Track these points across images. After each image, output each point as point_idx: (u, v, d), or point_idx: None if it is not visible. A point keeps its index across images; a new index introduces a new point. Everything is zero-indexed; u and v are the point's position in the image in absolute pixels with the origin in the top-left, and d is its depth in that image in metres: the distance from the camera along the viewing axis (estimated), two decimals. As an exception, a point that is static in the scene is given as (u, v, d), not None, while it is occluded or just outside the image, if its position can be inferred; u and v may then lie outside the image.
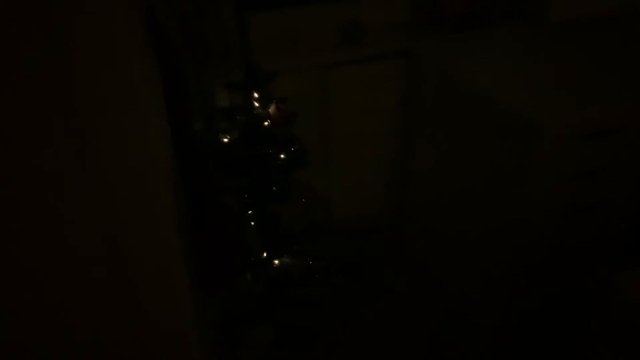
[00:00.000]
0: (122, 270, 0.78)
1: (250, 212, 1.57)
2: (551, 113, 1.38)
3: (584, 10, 1.82)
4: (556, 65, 1.63)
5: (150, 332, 0.86)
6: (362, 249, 2.15)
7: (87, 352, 0.79)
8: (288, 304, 1.73)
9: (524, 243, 1.52)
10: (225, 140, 1.42)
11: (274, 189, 1.52)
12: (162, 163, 0.82)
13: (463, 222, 1.74)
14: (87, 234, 0.72)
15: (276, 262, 1.68)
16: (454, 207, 1.79)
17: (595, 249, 1.63)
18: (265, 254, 1.64)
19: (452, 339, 1.74)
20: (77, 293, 0.74)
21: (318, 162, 1.94)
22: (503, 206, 1.53)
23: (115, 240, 0.76)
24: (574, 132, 1.37)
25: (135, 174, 0.74)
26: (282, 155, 1.48)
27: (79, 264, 0.73)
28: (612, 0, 1.84)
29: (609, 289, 1.11)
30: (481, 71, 1.61)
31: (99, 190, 0.71)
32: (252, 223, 1.59)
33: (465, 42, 1.80)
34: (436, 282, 1.92)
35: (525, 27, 1.84)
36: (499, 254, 1.58)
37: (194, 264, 1.10)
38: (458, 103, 1.66)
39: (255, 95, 1.43)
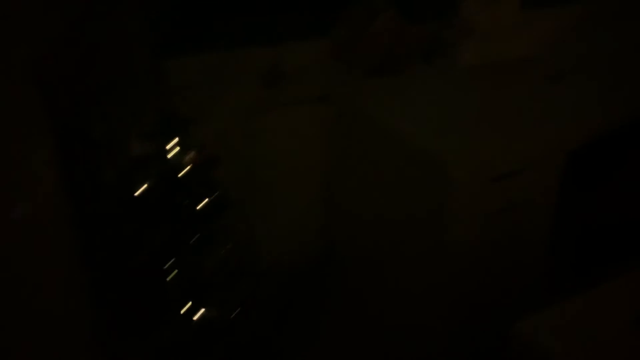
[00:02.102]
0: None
1: (171, 262, 1.52)
2: (463, 153, 1.44)
3: (495, 56, 1.95)
4: (469, 107, 1.70)
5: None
6: (296, 290, 2.13)
7: None
8: (216, 355, 1.68)
9: (449, 276, 1.55)
10: (141, 191, 1.37)
11: (196, 237, 1.49)
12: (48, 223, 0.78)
13: (392, 256, 1.77)
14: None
15: (201, 311, 1.63)
16: (381, 242, 1.81)
17: (513, 288, 1.68)
18: (189, 304, 1.59)
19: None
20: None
21: (244, 205, 1.92)
22: (425, 241, 1.56)
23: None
24: (484, 172, 1.42)
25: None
26: (202, 203, 1.46)
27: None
28: (520, 48, 1.98)
29: (514, 334, 1.14)
30: (397, 113, 1.67)
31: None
32: (174, 272, 1.54)
33: (383, 85, 1.85)
34: (375, 318, 1.91)
35: (441, 71, 1.93)
36: (429, 285, 1.61)
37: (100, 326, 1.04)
38: (376, 144, 1.70)
39: (173, 142, 1.40)
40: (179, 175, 1.40)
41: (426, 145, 1.49)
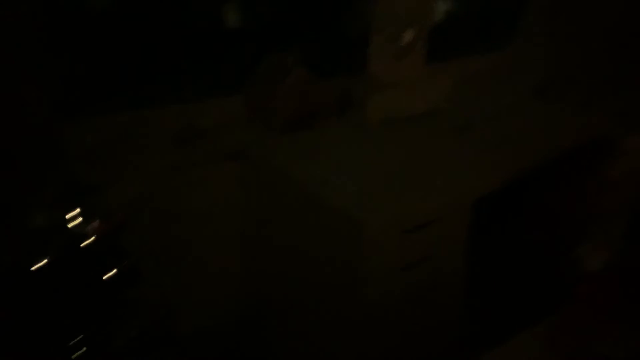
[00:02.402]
0: None
1: (78, 339, 1.42)
2: (373, 207, 1.46)
3: (403, 110, 2.03)
4: (380, 161, 1.74)
5: None
6: (222, 353, 2.05)
7: None
8: None
9: (368, 330, 1.55)
10: (39, 266, 1.28)
11: (104, 310, 1.40)
12: None
13: (313, 313, 1.74)
14: None
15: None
16: (302, 299, 1.79)
17: (431, 339, 1.69)
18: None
19: None
20: None
21: (160, 270, 1.84)
22: (343, 297, 1.55)
23: None
24: (396, 225, 1.45)
25: None
26: (109, 274, 1.38)
27: None
28: (426, 101, 2.08)
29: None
30: (311, 170, 1.68)
31: None
32: (83, 350, 1.44)
33: (297, 141, 1.87)
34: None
35: (353, 125, 1.97)
36: (350, 339, 1.60)
37: None
38: (291, 201, 1.70)
39: (75, 211, 1.33)
40: (82, 245, 1.32)
41: (339, 202, 1.51)
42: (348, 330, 1.57)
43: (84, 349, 1.42)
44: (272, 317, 2.02)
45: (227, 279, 2.07)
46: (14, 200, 1.32)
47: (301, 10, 2.07)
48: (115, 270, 1.39)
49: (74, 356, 1.41)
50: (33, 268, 1.25)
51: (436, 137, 1.94)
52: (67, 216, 1.32)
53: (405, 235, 1.47)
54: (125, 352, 1.52)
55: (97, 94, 1.79)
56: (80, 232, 1.32)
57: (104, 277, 1.36)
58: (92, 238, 1.34)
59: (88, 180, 1.40)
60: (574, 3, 2.80)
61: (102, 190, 1.40)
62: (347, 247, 1.49)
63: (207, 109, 1.96)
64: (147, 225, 1.79)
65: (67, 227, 1.31)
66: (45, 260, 1.29)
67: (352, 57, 2.10)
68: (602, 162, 1.67)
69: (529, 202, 1.68)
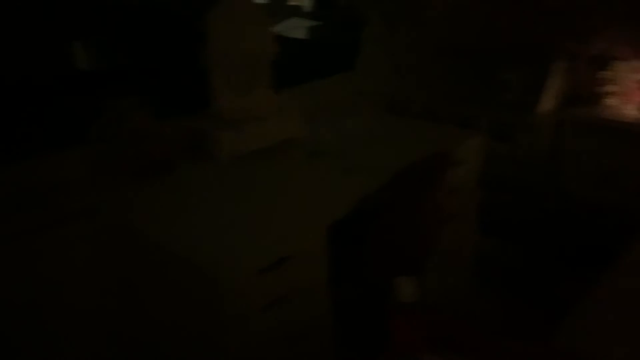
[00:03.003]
0: None
1: None
2: (225, 250, 1.43)
3: (255, 143, 2.02)
4: (233, 200, 1.71)
5: None
6: None
7: None
8: None
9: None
10: None
11: None
12: None
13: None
14: None
15: None
16: (168, 353, 1.70)
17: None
18: None
19: None
20: None
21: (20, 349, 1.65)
22: (209, 346, 1.50)
23: None
24: (250, 265, 1.42)
25: None
26: None
27: None
28: (276, 133, 2.08)
29: None
30: (162, 220, 1.61)
31: None
32: None
33: (148, 190, 1.79)
34: None
35: (206, 165, 1.93)
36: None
37: None
38: (145, 255, 1.62)
39: None
40: None
41: (191, 251, 1.45)
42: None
43: None
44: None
45: (93, 347, 1.92)
46: None
47: (138, 53, 2.00)
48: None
49: None
50: None
51: (288, 166, 1.95)
52: None
53: (263, 275, 1.45)
54: None
55: None
56: None
57: None
58: None
59: None
60: (410, 19, 3.00)
61: None
62: (206, 295, 1.44)
63: (48, 165, 1.82)
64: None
65: None
66: None
67: (198, 94, 2.06)
68: (441, 175, 1.78)
69: (375, 225, 1.74)
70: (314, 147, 2.09)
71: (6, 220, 1.65)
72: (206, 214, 1.63)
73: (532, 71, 2.57)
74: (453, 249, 2.10)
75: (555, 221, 2.67)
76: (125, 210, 1.72)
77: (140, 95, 1.93)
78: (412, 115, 2.80)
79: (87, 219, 1.74)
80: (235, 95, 2.03)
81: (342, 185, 1.78)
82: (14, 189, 1.75)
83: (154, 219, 1.63)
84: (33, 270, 1.70)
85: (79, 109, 1.89)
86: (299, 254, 1.52)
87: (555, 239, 2.65)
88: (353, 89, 2.82)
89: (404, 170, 1.74)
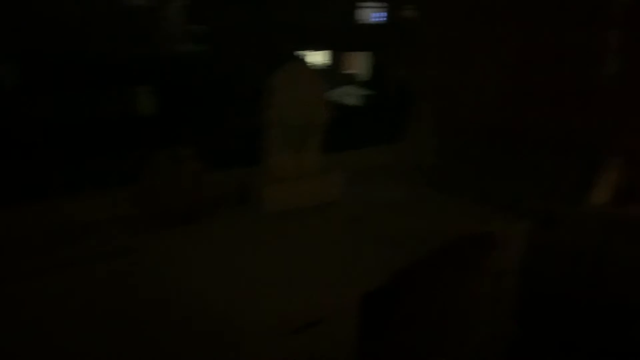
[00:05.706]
0: None
1: None
2: (259, 309, 1.42)
3: (299, 202, 2.04)
4: (269, 255, 1.72)
5: None
6: None
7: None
8: None
9: None
10: None
11: None
12: None
13: None
14: None
15: None
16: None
17: None
18: None
19: None
20: None
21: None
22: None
23: None
24: (284, 326, 1.40)
25: None
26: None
27: None
28: (322, 193, 2.10)
29: None
30: (195, 269, 1.63)
31: None
32: None
33: (186, 236, 1.82)
34: None
35: (247, 218, 1.95)
36: None
37: None
38: (174, 302, 1.62)
39: None
40: None
41: (224, 305, 1.45)
42: None
43: None
44: None
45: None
46: None
47: (196, 104, 2.09)
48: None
49: None
50: None
51: (327, 229, 1.95)
52: None
53: (291, 337, 1.43)
54: None
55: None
56: None
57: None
58: None
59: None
60: (460, 98, 3.04)
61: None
62: (229, 351, 1.42)
63: (90, 203, 1.87)
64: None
65: None
66: None
67: (247, 149, 2.12)
68: (482, 255, 1.74)
69: (406, 301, 1.70)
70: (354, 212, 2.10)
71: (42, 253, 1.69)
72: (240, 266, 1.64)
73: (584, 162, 2.54)
74: (484, 336, 2.03)
75: (590, 322, 2.55)
76: (160, 254, 1.74)
77: (193, 145, 2.00)
78: (455, 192, 2.78)
79: (120, 259, 1.76)
80: (286, 155, 2.08)
81: (379, 255, 1.76)
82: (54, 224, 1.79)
83: (186, 266, 1.65)
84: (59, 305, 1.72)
85: (132, 154, 1.96)
86: (330, 319, 1.49)
87: (589, 340, 2.52)
88: (398, 159, 2.84)
89: (446, 247, 1.71)
